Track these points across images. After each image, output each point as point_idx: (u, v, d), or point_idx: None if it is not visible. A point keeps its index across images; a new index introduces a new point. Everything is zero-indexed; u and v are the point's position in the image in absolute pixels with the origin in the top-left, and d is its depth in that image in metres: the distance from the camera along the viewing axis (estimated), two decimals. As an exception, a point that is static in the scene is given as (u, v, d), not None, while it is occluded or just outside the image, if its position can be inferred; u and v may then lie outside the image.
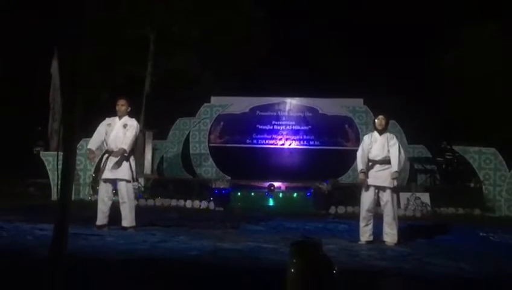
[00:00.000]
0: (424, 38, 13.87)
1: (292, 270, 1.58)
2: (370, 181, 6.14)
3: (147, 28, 12.78)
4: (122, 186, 6.56)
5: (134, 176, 6.76)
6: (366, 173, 6.15)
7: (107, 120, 6.76)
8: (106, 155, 6.68)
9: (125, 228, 6.48)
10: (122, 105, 6.70)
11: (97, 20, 10.04)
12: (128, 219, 6.52)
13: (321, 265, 1.55)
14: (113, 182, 6.60)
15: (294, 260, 1.59)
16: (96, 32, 9.89)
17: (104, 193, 6.57)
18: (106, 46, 11.57)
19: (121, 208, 6.55)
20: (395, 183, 6.12)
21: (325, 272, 1.54)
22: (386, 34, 14.27)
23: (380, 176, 6.13)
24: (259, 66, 14.32)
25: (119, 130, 6.62)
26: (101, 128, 6.72)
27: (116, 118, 6.72)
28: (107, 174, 6.55)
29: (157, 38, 12.84)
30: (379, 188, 6.14)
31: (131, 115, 6.88)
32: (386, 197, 6.10)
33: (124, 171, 6.54)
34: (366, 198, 6.16)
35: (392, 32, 14.11)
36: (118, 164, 6.50)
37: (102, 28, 10.65)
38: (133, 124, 6.66)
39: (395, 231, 6.06)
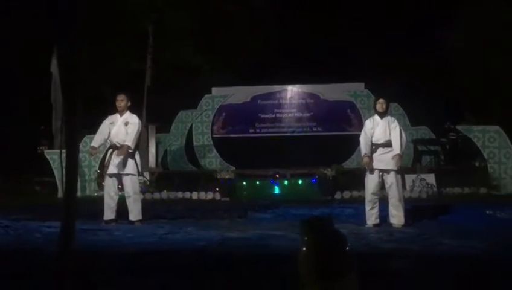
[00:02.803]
0: (424, 17, 13.73)
1: (304, 248, 1.53)
2: (374, 165, 6.16)
3: (145, 21, 12.70)
4: (127, 180, 6.59)
5: (140, 170, 6.79)
6: (369, 156, 6.16)
7: (109, 118, 6.78)
8: (110, 151, 6.70)
9: (132, 222, 6.52)
10: (121, 100, 6.70)
11: (94, 14, 9.98)
12: (134, 213, 6.56)
13: (333, 241, 1.51)
14: (119, 176, 6.63)
15: (305, 238, 1.54)
16: (94, 26, 9.81)
17: (111, 188, 6.60)
18: (104, 41, 11.51)
19: (127, 202, 6.59)
20: (399, 165, 6.13)
21: (338, 248, 1.51)
22: (384, 14, 14.13)
23: (383, 159, 6.14)
24: (259, 54, 14.21)
25: (120, 127, 6.65)
26: (104, 127, 6.74)
27: (117, 115, 6.73)
28: (112, 169, 6.58)
29: (156, 30, 12.76)
30: (383, 171, 6.16)
31: (132, 109, 6.89)
32: (390, 179, 6.11)
33: (129, 165, 6.57)
34: (371, 181, 6.18)
35: (390, 12, 13.96)
36: (123, 159, 6.54)
37: (99, 22, 10.58)
38: (134, 121, 6.67)
39: (401, 213, 6.07)
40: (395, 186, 6.07)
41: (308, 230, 1.52)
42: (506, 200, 8.68)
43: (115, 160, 6.55)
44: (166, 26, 12.86)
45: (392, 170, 6.09)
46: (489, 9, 12.37)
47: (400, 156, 6.11)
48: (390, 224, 6.07)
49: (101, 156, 8.60)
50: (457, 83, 13.22)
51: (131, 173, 6.59)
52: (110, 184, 6.62)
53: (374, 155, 6.17)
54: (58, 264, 2.44)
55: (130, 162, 6.57)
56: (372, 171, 6.16)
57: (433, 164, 11.57)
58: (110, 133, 6.67)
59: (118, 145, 6.59)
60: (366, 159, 6.18)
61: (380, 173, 6.15)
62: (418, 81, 13.33)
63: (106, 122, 6.76)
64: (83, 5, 2.48)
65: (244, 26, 13.52)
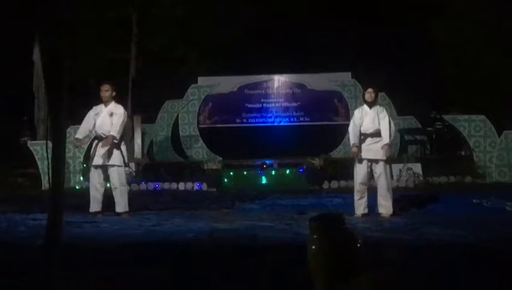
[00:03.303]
0: (411, 7, 13.74)
1: (313, 247, 1.46)
2: (363, 154, 6.14)
3: (129, 9, 12.50)
4: (113, 172, 6.49)
5: (126, 161, 6.69)
6: (358, 146, 6.14)
7: (94, 109, 6.65)
8: (96, 142, 6.59)
9: (119, 214, 6.43)
10: (106, 90, 6.58)
11: (77, 2, 9.77)
12: (121, 205, 6.47)
13: (345, 239, 1.44)
14: (105, 168, 6.52)
15: (315, 236, 1.47)
16: (77, 15, 9.61)
17: (96, 180, 6.50)
18: (88, 30, 11.31)
19: (114, 194, 6.50)
20: (388, 155, 6.13)
21: (349, 246, 1.44)
22: (372, 4, 14.11)
23: (372, 149, 6.13)
24: (245, 43, 14.10)
25: (105, 118, 6.53)
26: (88, 118, 6.62)
27: (102, 106, 6.61)
28: (97, 160, 6.47)
29: (140, 19, 12.57)
30: (372, 161, 6.15)
31: (117, 100, 6.77)
32: (379, 169, 6.11)
33: (115, 157, 6.47)
34: (360, 171, 6.17)
35: (378, 2, 13.96)
36: (108, 150, 6.43)
37: (82, 10, 10.37)
38: (120, 112, 6.55)
39: (389, 203, 6.08)
40: (384, 176, 6.07)
41: (319, 228, 1.44)
42: (491, 189, 8.77)
43: (100, 151, 6.44)
44: (151, 15, 12.68)
45: (381, 160, 6.08)
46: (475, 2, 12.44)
47: (389, 146, 6.11)
48: (379, 214, 6.08)
49: (86, 147, 8.48)
50: (444, 73, 13.30)
51: (117, 164, 6.48)
52: (95, 176, 6.52)
53: (363, 145, 6.15)
54: (44, 258, 2.37)
55: (116, 153, 6.47)
56: (360, 161, 6.15)
57: (419, 153, 11.64)
58: (95, 124, 6.55)
59: (103, 136, 6.48)
60: (354, 149, 6.16)
61: (369, 163, 6.14)
62: (405, 71, 13.37)
63: (91, 113, 6.64)
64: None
65: (231, 16, 13.39)
